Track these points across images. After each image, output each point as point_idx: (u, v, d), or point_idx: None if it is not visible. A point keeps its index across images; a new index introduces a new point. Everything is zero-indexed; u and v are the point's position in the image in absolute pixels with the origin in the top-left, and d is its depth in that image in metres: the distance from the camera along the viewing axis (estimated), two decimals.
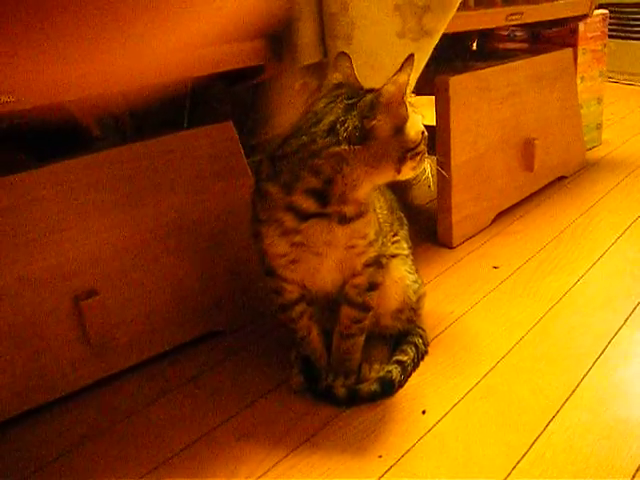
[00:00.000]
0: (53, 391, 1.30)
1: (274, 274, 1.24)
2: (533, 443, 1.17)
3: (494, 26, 2.19)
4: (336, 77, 1.21)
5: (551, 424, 1.22)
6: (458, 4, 1.47)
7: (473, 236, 2.01)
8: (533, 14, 2.19)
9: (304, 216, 1.14)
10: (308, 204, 1.13)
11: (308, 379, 1.33)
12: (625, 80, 4.04)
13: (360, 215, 1.16)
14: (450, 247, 1.95)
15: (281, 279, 1.25)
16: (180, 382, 1.39)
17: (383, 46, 1.46)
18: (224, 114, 1.73)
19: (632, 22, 3.99)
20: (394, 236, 1.37)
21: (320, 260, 1.20)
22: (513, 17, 2.05)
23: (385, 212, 1.33)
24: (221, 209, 1.51)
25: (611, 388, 1.32)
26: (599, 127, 2.84)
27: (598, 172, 2.54)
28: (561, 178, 2.44)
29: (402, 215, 1.45)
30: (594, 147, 2.82)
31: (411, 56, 1.08)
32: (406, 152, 1.11)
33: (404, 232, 1.42)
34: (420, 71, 1.51)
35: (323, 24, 1.46)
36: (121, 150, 1.39)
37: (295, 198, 1.13)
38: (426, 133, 1.17)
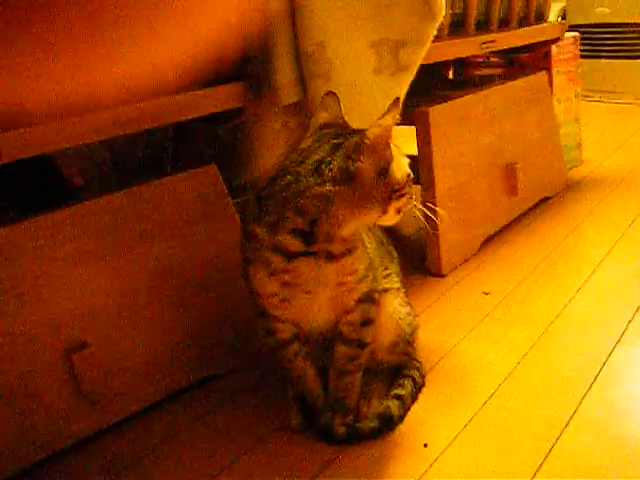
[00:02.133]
0: (47, 447, 1.28)
1: (266, 314, 1.24)
2: (537, 471, 1.17)
3: (469, 55, 2.21)
4: (323, 117, 1.22)
5: (553, 450, 1.21)
6: (433, 37, 1.48)
7: (462, 263, 2.02)
8: (506, 40, 2.22)
9: (291, 255, 1.14)
10: (294, 244, 1.13)
11: (307, 418, 1.32)
12: (600, 98, 4.08)
13: (348, 252, 1.16)
14: (440, 276, 1.95)
15: (273, 319, 1.24)
16: (179, 429, 1.37)
17: (361, 83, 1.47)
18: (207, 156, 1.74)
19: (602, 42, 4.04)
20: (385, 270, 1.37)
21: (311, 298, 1.20)
22: (487, 45, 2.08)
23: (374, 246, 1.33)
24: (208, 253, 1.51)
25: (610, 409, 1.31)
26: (579, 146, 2.87)
27: (581, 191, 2.56)
28: (545, 199, 2.45)
29: (392, 248, 1.45)
30: (575, 166, 2.84)
31: (397, 100, 1.09)
32: (391, 193, 1.12)
33: (394, 265, 1.42)
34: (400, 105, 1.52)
35: (301, 64, 1.47)
36: (106, 199, 1.39)
37: (281, 238, 1.13)
38: (412, 175, 1.17)
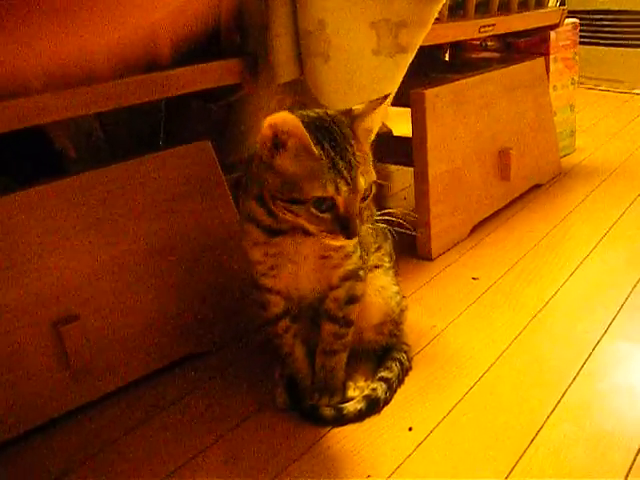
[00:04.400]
0: (33, 420, 1.28)
1: (258, 285, 1.26)
2: (520, 458, 1.17)
3: (467, 38, 2.20)
4: None
5: (537, 438, 1.22)
6: (434, 19, 1.47)
7: (451, 248, 2.01)
8: (505, 25, 2.21)
9: (270, 231, 1.16)
10: (260, 212, 1.15)
11: (293, 398, 1.33)
12: (595, 86, 4.08)
13: None
14: (429, 259, 1.95)
15: (265, 291, 1.26)
16: (164, 406, 1.37)
17: (359, 63, 1.46)
18: (200, 132, 1.72)
19: (601, 28, 4.02)
20: (378, 249, 1.37)
21: (296, 267, 1.21)
22: (486, 29, 2.06)
23: (369, 225, 1.33)
24: (200, 229, 1.50)
25: (595, 399, 1.32)
26: (572, 134, 2.86)
27: (573, 179, 2.56)
28: (536, 186, 2.45)
29: (386, 228, 1.44)
30: (568, 154, 2.83)
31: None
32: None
33: (388, 245, 1.42)
34: (398, 86, 1.52)
35: (299, 42, 1.46)
36: (98, 173, 1.38)
37: (250, 205, 1.16)
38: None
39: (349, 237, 1.07)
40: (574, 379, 1.38)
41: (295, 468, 1.18)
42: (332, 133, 1.07)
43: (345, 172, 1.05)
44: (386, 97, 1.12)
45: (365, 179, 1.07)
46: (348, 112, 1.12)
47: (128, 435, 1.29)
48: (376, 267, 1.35)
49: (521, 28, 2.35)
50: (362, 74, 1.45)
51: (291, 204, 1.08)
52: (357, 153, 1.07)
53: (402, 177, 2.62)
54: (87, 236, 1.34)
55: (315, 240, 1.16)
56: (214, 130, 1.72)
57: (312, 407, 1.29)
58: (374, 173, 1.11)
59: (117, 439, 1.28)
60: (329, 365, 1.30)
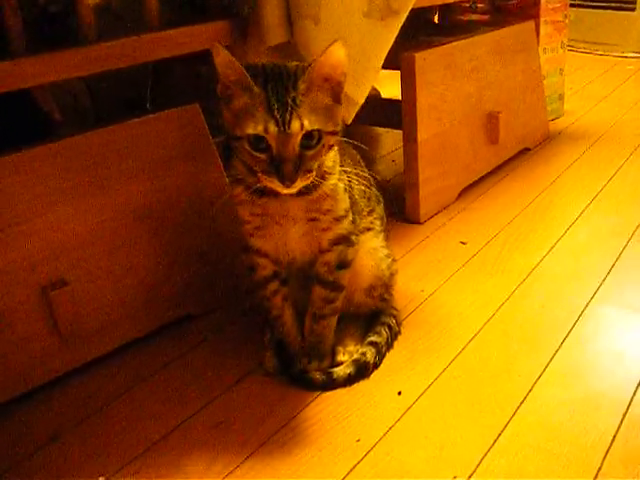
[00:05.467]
0: (23, 384, 1.28)
1: (247, 247, 1.25)
2: (509, 422, 1.18)
3: (457, 0, 2.18)
4: None
5: (525, 401, 1.23)
6: None
7: (439, 212, 2.01)
8: None
9: (255, 191, 1.15)
10: (243, 172, 1.15)
11: (282, 362, 1.33)
12: (584, 49, 4.06)
13: (312, 188, 1.15)
14: (418, 223, 1.95)
15: (254, 253, 1.26)
16: (153, 370, 1.37)
17: (350, 26, 1.44)
18: (188, 93, 1.70)
19: None
20: (371, 212, 1.37)
21: (284, 230, 1.21)
22: None
23: (362, 188, 1.32)
24: (189, 192, 1.49)
25: (582, 363, 1.33)
26: (561, 98, 2.85)
27: (561, 144, 2.55)
28: (525, 150, 2.45)
29: (378, 193, 1.44)
30: (557, 118, 2.83)
31: None
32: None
33: (380, 209, 1.42)
34: (388, 49, 1.50)
35: (289, 4, 1.44)
36: (86, 137, 1.36)
37: (234, 163, 1.17)
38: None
39: (283, 181, 1.07)
40: (562, 343, 1.39)
41: (284, 433, 1.19)
42: (282, 76, 1.08)
43: (277, 112, 1.05)
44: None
45: (304, 122, 1.06)
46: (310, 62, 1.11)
47: (117, 400, 1.29)
48: (368, 230, 1.35)
49: None
50: (353, 37, 1.44)
51: (235, 142, 1.10)
52: (300, 97, 1.06)
53: (391, 140, 2.61)
54: (76, 200, 1.33)
55: (301, 201, 1.16)
56: (202, 91, 1.70)
57: (301, 371, 1.29)
58: (327, 125, 1.09)
59: (106, 404, 1.28)
60: (318, 329, 1.30)
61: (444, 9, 2.64)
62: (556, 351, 1.36)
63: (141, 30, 1.38)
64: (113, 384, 1.34)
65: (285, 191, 1.09)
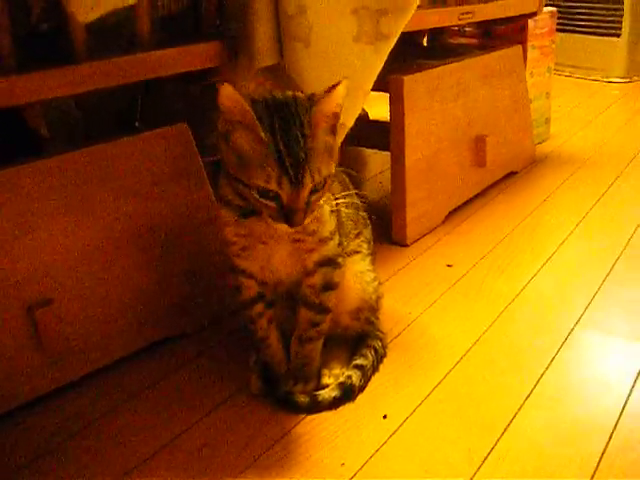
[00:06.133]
0: (7, 403, 1.27)
1: (233, 267, 1.25)
2: (494, 445, 1.18)
3: (447, 25, 2.20)
4: None
5: (511, 425, 1.23)
6: (415, 7, 1.46)
7: (426, 234, 2.02)
8: (484, 12, 2.21)
9: (241, 212, 1.15)
10: (230, 194, 1.15)
11: (268, 384, 1.33)
12: (570, 73, 4.09)
13: None
14: (404, 245, 1.95)
15: (240, 273, 1.25)
16: (139, 389, 1.36)
17: (340, 50, 1.45)
18: (177, 113, 1.71)
19: (576, 16, 4.04)
20: (358, 235, 1.37)
21: (269, 250, 1.21)
22: (465, 16, 2.06)
23: (350, 211, 1.33)
24: (177, 212, 1.49)
25: (568, 387, 1.34)
26: (547, 121, 2.88)
27: (547, 167, 2.57)
28: (511, 174, 2.46)
29: (366, 215, 1.44)
30: (543, 141, 2.85)
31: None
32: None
33: (367, 232, 1.42)
34: (378, 73, 1.51)
35: (280, 26, 1.45)
36: (75, 155, 1.36)
37: (222, 184, 1.17)
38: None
39: (292, 226, 1.08)
40: (547, 367, 1.39)
41: (269, 455, 1.18)
42: (288, 119, 1.06)
43: (291, 168, 1.04)
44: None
45: (314, 176, 1.06)
46: (311, 96, 1.10)
47: (102, 420, 1.28)
48: (355, 252, 1.35)
49: (500, 16, 2.36)
50: (342, 61, 1.44)
51: (240, 184, 1.08)
52: (309, 144, 1.05)
53: (378, 161, 2.62)
54: (63, 218, 1.33)
55: None
56: (192, 111, 1.71)
57: (287, 394, 1.29)
58: (330, 166, 1.09)
59: (91, 424, 1.27)
60: (304, 352, 1.30)
61: (433, 32, 2.66)
62: (541, 375, 1.36)
63: (133, 49, 1.39)
64: (98, 403, 1.33)
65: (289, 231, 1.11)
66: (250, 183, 1.06)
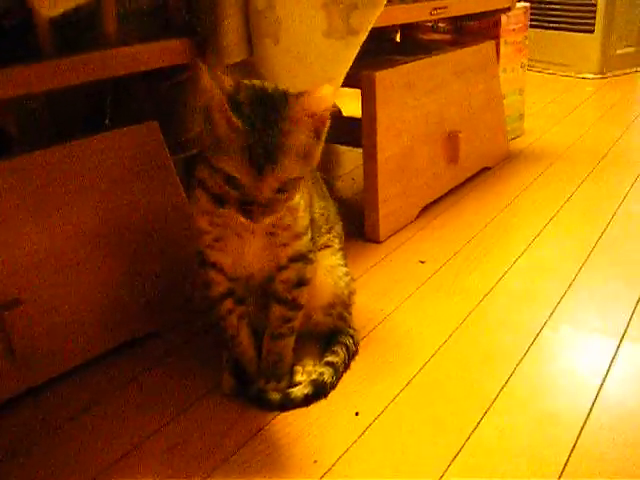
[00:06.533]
0: None
1: (204, 261, 1.24)
2: (465, 442, 1.18)
3: (419, 20, 2.19)
4: None
5: (482, 422, 1.23)
6: (385, 1, 1.45)
7: (399, 230, 2.02)
8: (457, 8, 2.21)
9: (218, 200, 1.13)
10: (209, 180, 1.13)
11: (240, 382, 1.32)
12: (544, 69, 4.11)
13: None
14: (377, 242, 1.95)
15: (210, 268, 1.24)
16: (110, 390, 1.35)
17: (310, 45, 1.44)
18: (147, 110, 1.69)
19: (549, 12, 4.05)
20: (330, 230, 1.37)
21: (242, 242, 1.20)
22: (438, 11, 2.06)
23: (322, 205, 1.33)
24: (147, 210, 1.48)
25: (539, 383, 1.34)
26: (521, 117, 2.89)
27: (520, 163, 2.58)
28: (485, 169, 2.46)
29: (336, 211, 1.43)
30: (517, 137, 2.86)
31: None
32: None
33: (339, 227, 1.42)
34: (348, 68, 1.50)
35: (249, 22, 1.43)
36: (42, 154, 1.34)
37: (201, 168, 1.15)
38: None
39: (250, 220, 1.06)
40: (518, 364, 1.39)
41: (241, 454, 1.17)
42: (267, 110, 1.04)
43: (256, 157, 1.01)
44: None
45: (280, 172, 1.03)
46: (298, 94, 1.07)
47: (72, 422, 1.27)
48: (326, 247, 1.35)
49: (473, 11, 2.36)
50: (313, 56, 1.43)
51: (208, 162, 1.07)
52: (283, 139, 1.03)
53: (351, 158, 2.61)
54: (30, 218, 1.31)
55: None
56: (162, 109, 1.69)
57: (259, 392, 1.28)
58: (303, 169, 1.07)
59: (60, 426, 1.26)
60: (276, 349, 1.29)
61: (405, 28, 2.66)
62: (513, 372, 1.37)
63: (100, 46, 1.37)
64: (68, 405, 1.31)
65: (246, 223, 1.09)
66: (217, 166, 1.05)
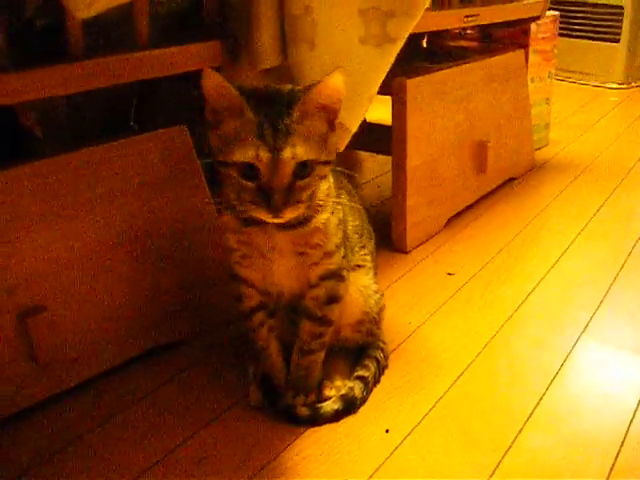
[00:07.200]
0: None
1: (234, 275, 1.22)
2: (500, 462, 1.16)
3: (451, 27, 2.17)
4: None
5: (516, 441, 1.20)
6: (424, 10, 1.42)
7: (426, 240, 1.99)
8: (489, 15, 2.18)
9: (243, 219, 1.12)
10: (233, 199, 1.09)
11: (267, 395, 1.29)
12: (568, 78, 4.07)
13: (303, 222, 1.12)
14: (404, 252, 1.92)
15: (241, 282, 1.22)
16: (134, 400, 1.32)
17: (345, 52, 1.41)
18: (173, 113, 1.67)
19: (575, 21, 4.01)
20: (362, 248, 1.34)
21: (269, 262, 1.17)
22: (469, 19, 2.03)
23: (357, 223, 1.31)
24: (174, 216, 1.45)
25: (573, 402, 1.31)
26: (547, 127, 2.85)
27: (547, 174, 2.55)
28: (511, 180, 2.43)
29: (371, 228, 1.41)
30: (542, 147, 2.82)
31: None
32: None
33: (371, 244, 1.40)
34: (384, 76, 1.47)
35: (284, 27, 1.41)
36: (69, 157, 1.31)
37: (225, 188, 1.13)
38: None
39: (271, 211, 1.03)
40: (552, 381, 1.36)
41: (270, 470, 1.15)
42: (273, 101, 1.04)
43: (270, 139, 1.00)
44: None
45: (296, 150, 1.01)
46: (307, 87, 1.06)
47: (96, 430, 1.25)
48: (359, 267, 1.33)
49: (504, 19, 2.33)
50: (348, 63, 1.40)
51: (221, 167, 1.05)
52: (295, 125, 1.02)
53: (376, 164, 2.58)
54: (55, 223, 1.29)
55: (289, 234, 1.13)
56: (190, 112, 1.67)
57: (287, 406, 1.26)
58: (320, 153, 1.05)
59: (85, 434, 1.24)
60: (305, 364, 1.27)
61: (433, 35, 2.63)
62: (545, 390, 1.33)
63: (131, 48, 1.34)
64: (92, 413, 1.29)
65: (273, 221, 1.06)
66: (231, 161, 1.02)
